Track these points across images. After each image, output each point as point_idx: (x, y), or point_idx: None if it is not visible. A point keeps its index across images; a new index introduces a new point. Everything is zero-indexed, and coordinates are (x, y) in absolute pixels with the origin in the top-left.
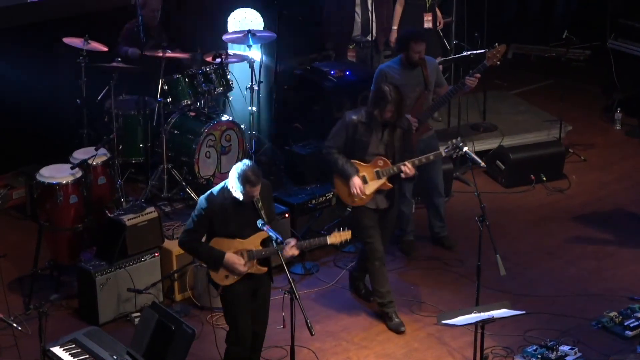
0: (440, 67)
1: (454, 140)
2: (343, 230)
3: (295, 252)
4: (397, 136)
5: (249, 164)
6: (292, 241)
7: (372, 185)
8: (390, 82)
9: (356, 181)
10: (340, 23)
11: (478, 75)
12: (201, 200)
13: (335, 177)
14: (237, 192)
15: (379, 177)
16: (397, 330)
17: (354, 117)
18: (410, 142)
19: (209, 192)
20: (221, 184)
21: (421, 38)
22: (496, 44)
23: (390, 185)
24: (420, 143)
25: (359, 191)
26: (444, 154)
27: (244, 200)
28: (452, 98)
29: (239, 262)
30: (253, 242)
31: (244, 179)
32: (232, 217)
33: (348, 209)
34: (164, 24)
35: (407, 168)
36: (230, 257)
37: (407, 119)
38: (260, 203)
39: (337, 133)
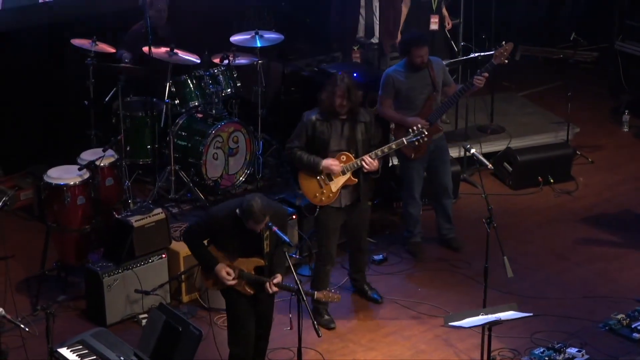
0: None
1: (415, 128)
2: (334, 292)
3: (274, 289)
4: (359, 130)
5: (258, 199)
6: (278, 277)
7: (338, 182)
8: (398, 86)
9: (329, 161)
10: (345, 25)
11: (486, 74)
12: (207, 213)
13: (300, 178)
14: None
15: (343, 173)
16: (328, 326)
17: (312, 116)
18: (377, 134)
19: (217, 208)
20: (235, 203)
21: (422, 42)
22: (503, 42)
23: (355, 180)
24: (431, 144)
25: (338, 168)
26: (405, 143)
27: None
28: (460, 98)
29: (227, 277)
30: (247, 265)
31: (248, 213)
32: (234, 238)
33: (317, 209)
34: (171, 25)
35: (366, 161)
36: (221, 268)
37: (369, 111)
38: (268, 232)
39: (298, 134)
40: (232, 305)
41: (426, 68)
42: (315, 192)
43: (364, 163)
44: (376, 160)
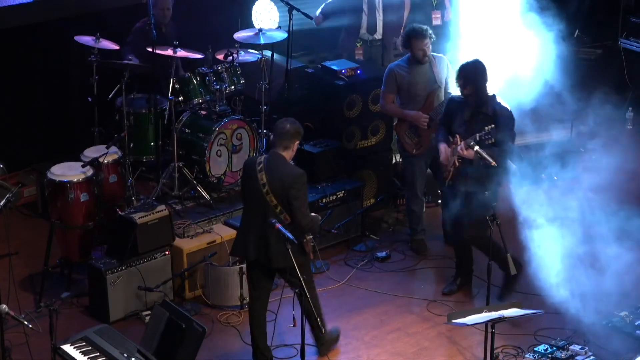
0: None
1: (488, 128)
2: None
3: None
4: (478, 120)
5: None
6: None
7: (450, 161)
8: (400, 80)
9: (441, 148)
10: (348, 21)
11: None
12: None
13: None
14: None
15: (452, 154)
16: None
17: (454, 96)
18: (500, 132)
19: None
20: None
21: (422, 35)
22: None
23: (457, 164)
24: (434, 141)
25: (445, 155)
26: (478, 138)
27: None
28: None
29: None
30: None
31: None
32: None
33: (448, 182)
34: (175, 22)
35: (460, 148)
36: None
37: (503, 109)
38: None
39: (444, 111)
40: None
41: (429, 63)
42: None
43: (459, 148)
44: (469, 150)
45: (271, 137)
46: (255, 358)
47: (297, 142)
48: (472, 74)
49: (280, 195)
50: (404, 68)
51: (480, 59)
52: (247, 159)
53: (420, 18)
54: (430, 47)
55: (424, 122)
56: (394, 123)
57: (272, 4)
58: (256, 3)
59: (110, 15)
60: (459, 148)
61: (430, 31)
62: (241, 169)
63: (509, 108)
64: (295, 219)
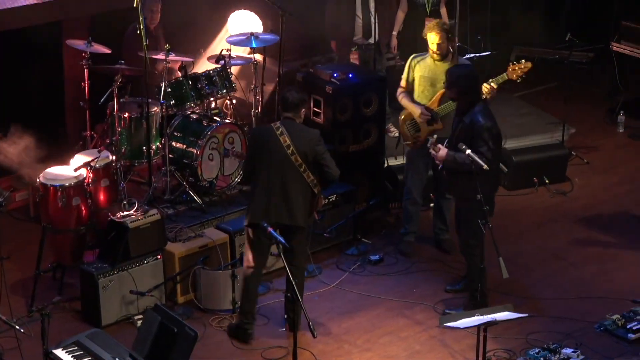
0: None
1: (433, 137)
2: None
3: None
4: (460, 127)
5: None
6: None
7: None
8: (414, 69)
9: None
10: (341, 26)
11: (494, 85)
12: None
13: None
14: None
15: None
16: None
17: None
18: (473, 143)
19: None
20: None
21: (430, 29)
22: (522, 60)
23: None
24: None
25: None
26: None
27: None
28: None
29: (417, 111)
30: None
31: None
32: None
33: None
34: (164, 26)
35: (431, 146)
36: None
37: (479, 120)
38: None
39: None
40: None
41: (450, 63)
42: None
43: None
44: (440, 152)
45: (279, 107)
46: (244, 323)
47: (304, 109)
48: (455, 78)
49: (305, 155)
50: (425, 60)
51: (472, 66)
52: (255, 128)
53: (414, 23)
54: (443, 44)
55: (421, 117)
56: (387, 127)
57: (252, 13)
58: (232, 15)
59: (102, 19)
60: (429, 145)
61: (446, 27)
62: (232, 172)
63: (487, 120)
64: (329, 170)
